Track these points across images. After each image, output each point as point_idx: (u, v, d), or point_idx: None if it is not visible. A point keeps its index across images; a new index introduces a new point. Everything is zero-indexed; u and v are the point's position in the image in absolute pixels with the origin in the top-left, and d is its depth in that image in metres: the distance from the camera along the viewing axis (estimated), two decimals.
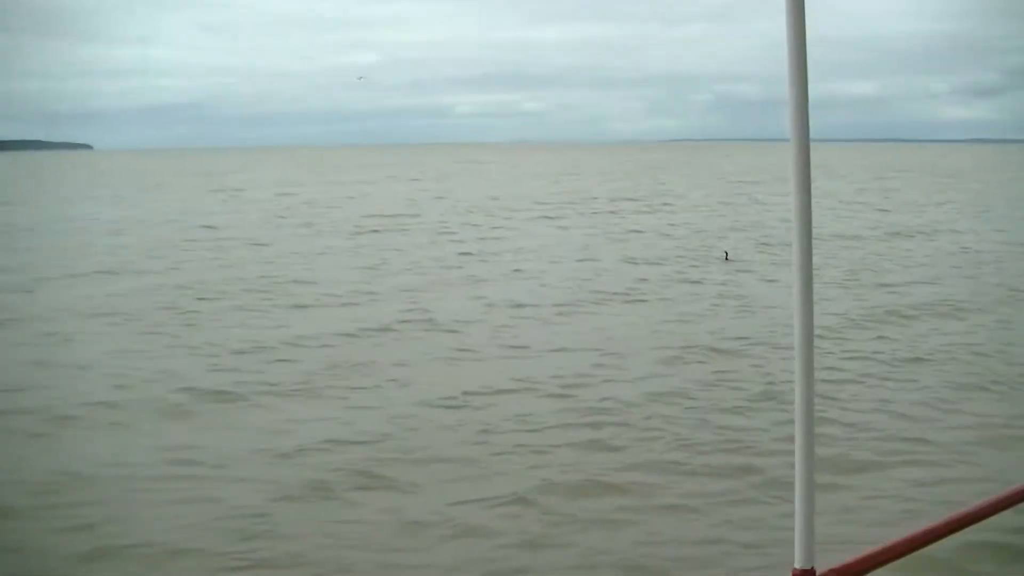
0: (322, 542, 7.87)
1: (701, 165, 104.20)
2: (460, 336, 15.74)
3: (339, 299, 19.24)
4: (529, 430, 10.64)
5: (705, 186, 60.57)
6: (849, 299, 18.20)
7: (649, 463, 9.58)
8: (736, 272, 23.05)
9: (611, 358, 13.94)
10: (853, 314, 16.79)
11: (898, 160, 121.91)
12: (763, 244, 28.33)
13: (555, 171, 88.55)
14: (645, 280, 21.75)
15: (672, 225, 34.86)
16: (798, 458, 2.21)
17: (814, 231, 2.20)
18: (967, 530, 2.55)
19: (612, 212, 40.41)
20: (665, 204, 45.16)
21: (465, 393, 12.03)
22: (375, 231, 32.53)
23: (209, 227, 33.73)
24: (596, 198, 48.44)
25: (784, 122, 2.17)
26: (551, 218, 37.61)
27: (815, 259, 2.24)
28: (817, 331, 2.65)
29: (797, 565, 2.20)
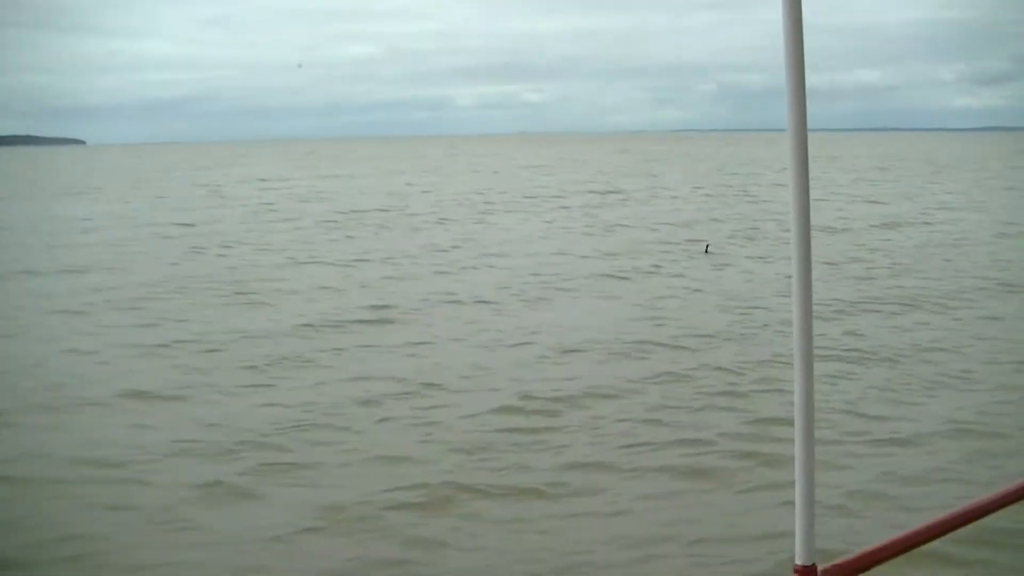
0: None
1: (699, 156, 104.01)
2: (414, 328, 15.83)
3: (298, 293, 19.24)
4: (429, 423, 10.72)
5: (698, 178, 60.36)
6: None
7: (580, 463, 9.49)
8: (714, 265, 22.97)
9: (563, 355, 13.87)
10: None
11: (899, 151, 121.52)
12: (746, 238, 28.18)
13: (548, 163, 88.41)
14: (616, 273, 21.65)
15: (657, 217, 34.67)
16: (797, 454, 2.23)
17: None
18: (969, 526, 2.55)
19: (599, 206, 40.25)
20: (653, 196, 45.00)
21: (390, 383, 12.21)
22: (352, 224, 32.63)
23: (185, 224, 33.57)
24: (589, 191, 48.23)
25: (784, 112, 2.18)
26: (535, 211, 37.50)
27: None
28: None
29: (798, 561, 2.22)
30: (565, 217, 35.04)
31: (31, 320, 16.90)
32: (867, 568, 2.31)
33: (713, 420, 10.75)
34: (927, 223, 32.01)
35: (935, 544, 2.47)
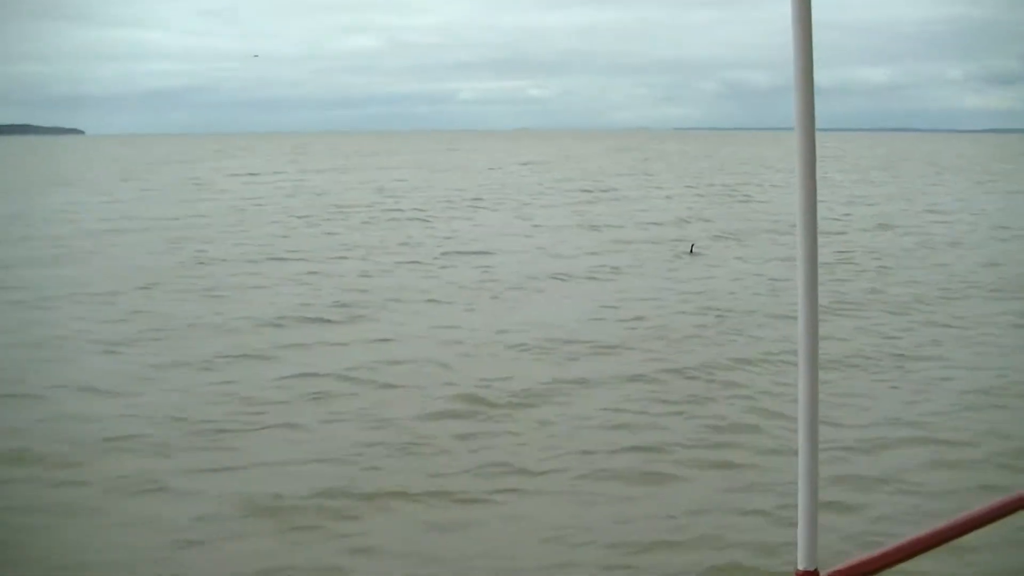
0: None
1: (697, 155, 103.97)
2: (377, 324, 15.86)
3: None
4: (375, 420, 10.66)
5: (693, 177, 60.26)
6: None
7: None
8: (697, 265, 22.89)
9: (521, 353, 13.83)
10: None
11: (903, 151, 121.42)
12: (734, 240, 28.04)
13: (544, 159, 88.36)
14: (595, 274, 21.53)
15: (646, 216, 34.56)
16: (801, 459, 2.23)
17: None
18: (973, 533, 2.54)
19: (590, 203, 40.12)
20: (644, 196, 44.82)
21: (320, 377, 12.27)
22: (334, 219, 32.62)
23: (163, 218, 33.44)
24: (580, 189, 48.13)
25: (790, 110, 2.17)
26: (521, 209, 37.39)
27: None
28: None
29: (800, 567, 2.22)
30: (549, 216, 34.92)
31: None
32: (869, 574, 2.30)
33: (670, 424, 10.64)
34: (911, 231, 31.84)
35: (938, 551, 2.46)
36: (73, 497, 8.60)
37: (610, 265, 22.55)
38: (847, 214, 34.49)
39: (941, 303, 17.88)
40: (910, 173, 66.77)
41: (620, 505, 8.54)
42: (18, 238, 27.88)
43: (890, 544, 2.37)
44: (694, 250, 25.18)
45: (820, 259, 2.16)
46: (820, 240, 2.13)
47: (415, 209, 36.56)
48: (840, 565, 2.29)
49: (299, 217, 33.45)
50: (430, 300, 18.04)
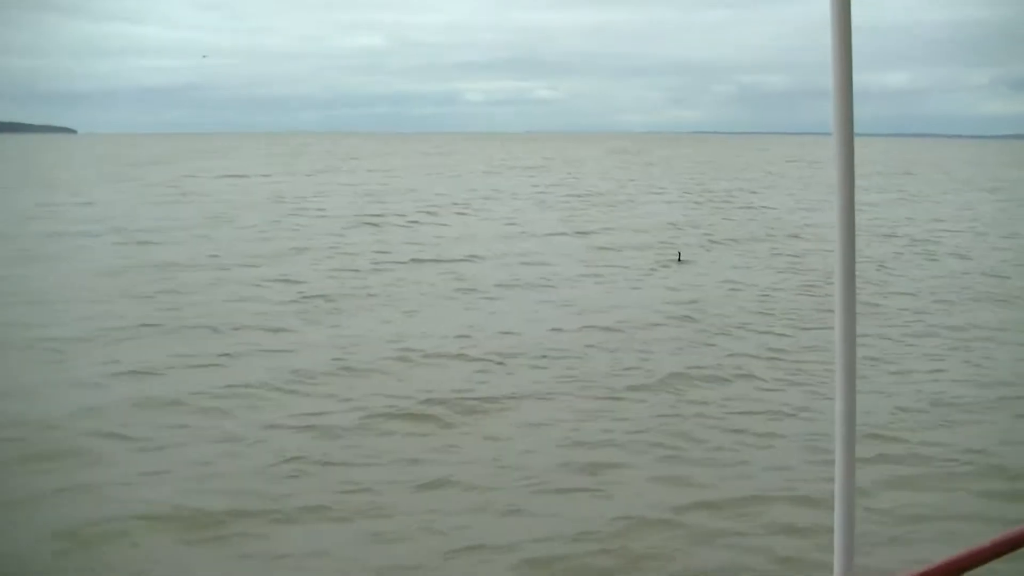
0: None
1: (701, 159, 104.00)
2: (331, 329, 16.01)
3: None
4: (306, 428, 10.59)
5: (693, 182, 60.28)
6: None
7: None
8: (684, 273, 22.94)
9: (474, 361, 13.90)
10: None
11: (917, 157, 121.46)
12: (722, 246, 28.02)
13: (545, 164, 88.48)
14: (581, 278, 21.66)
15: (638, 222, 34.56)
16: (838, 464, 2.24)
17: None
18: (1014, 553, 2.52)
19: (583, 208, 40.14)
20: (633, 202, 44.79)
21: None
22: (309, 223, 32.76)
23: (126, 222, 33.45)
24: (578, 195, 48.12)
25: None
26: (508, 214, 37.43)
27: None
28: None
29: (837, 572, 2.25)
30: (539, 219, 34.93)
31: None
32: None
33: (620, 435, 10.61)
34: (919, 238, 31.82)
35: (979, 572, 2.42)
36: None
37: (594, 272, 22.62)
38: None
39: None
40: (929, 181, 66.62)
41: (548, 518, 8.53)
42: None
43: (925, 564, 2.33)
44: (681, 258, 25.17)
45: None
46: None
47: (395, 215, 36.42)
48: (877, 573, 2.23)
49: (289, 216, 33.51)
50: (385, 304, 18.12)
